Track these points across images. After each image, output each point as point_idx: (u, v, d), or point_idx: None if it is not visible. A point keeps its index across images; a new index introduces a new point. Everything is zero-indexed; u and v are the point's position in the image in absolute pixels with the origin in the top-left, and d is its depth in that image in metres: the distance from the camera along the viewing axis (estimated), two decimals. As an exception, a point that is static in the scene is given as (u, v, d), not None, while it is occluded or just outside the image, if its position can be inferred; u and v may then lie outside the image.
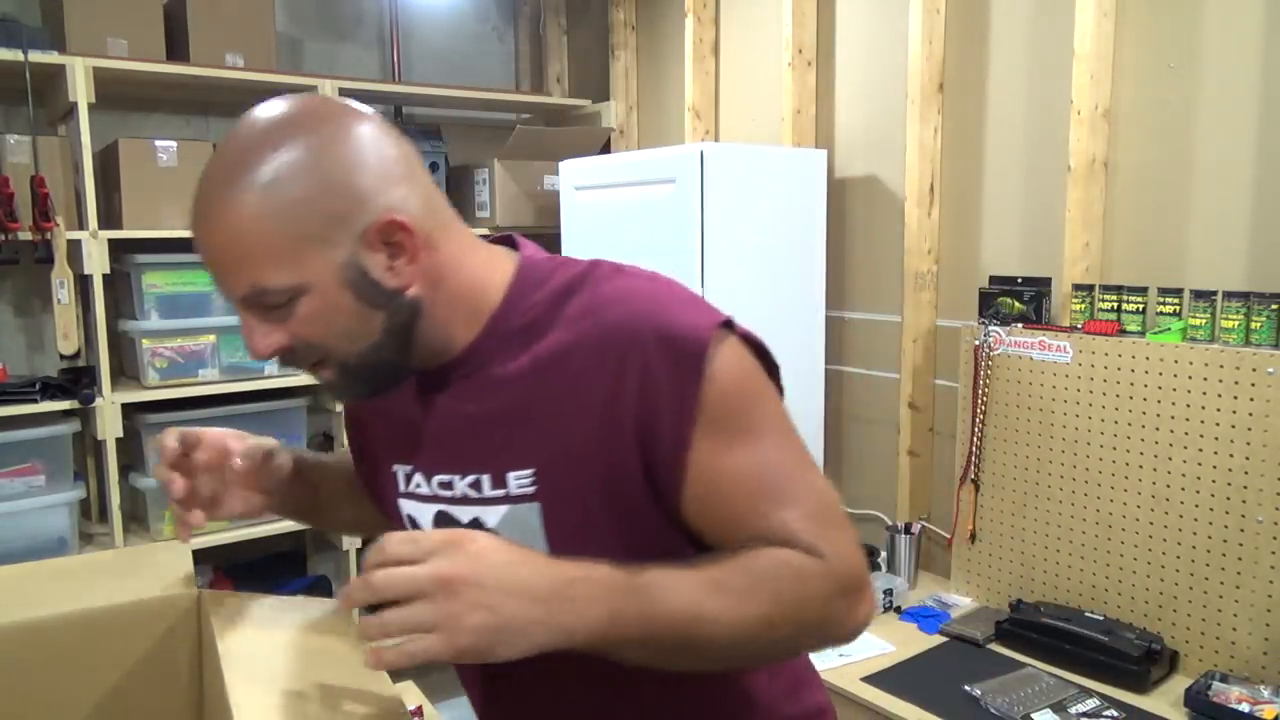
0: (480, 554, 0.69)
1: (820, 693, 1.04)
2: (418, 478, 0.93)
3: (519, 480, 0.86)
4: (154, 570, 1.00)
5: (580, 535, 0.85)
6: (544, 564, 0.72)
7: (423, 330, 0.84)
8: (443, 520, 0.92)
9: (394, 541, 0.69)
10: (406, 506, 0.95)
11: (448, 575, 0.67)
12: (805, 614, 0.79)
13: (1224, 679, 1.82)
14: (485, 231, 3.14)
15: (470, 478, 0.89)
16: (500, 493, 0.87)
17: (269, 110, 0.80)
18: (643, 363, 0.80)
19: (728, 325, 0.84)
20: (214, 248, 0.78)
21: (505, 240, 0.95)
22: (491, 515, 0.89)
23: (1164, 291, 2.02)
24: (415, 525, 0.95)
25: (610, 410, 0.81)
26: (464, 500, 0.90)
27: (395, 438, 0.95)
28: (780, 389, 0.88)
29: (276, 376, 2.77)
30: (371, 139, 0.80)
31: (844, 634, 0.83)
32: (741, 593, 0.75)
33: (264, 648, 0.85)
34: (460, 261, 0.86)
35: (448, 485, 0.90)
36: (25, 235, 2.42)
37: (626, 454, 0.81)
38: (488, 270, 0.88)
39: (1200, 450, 1.91)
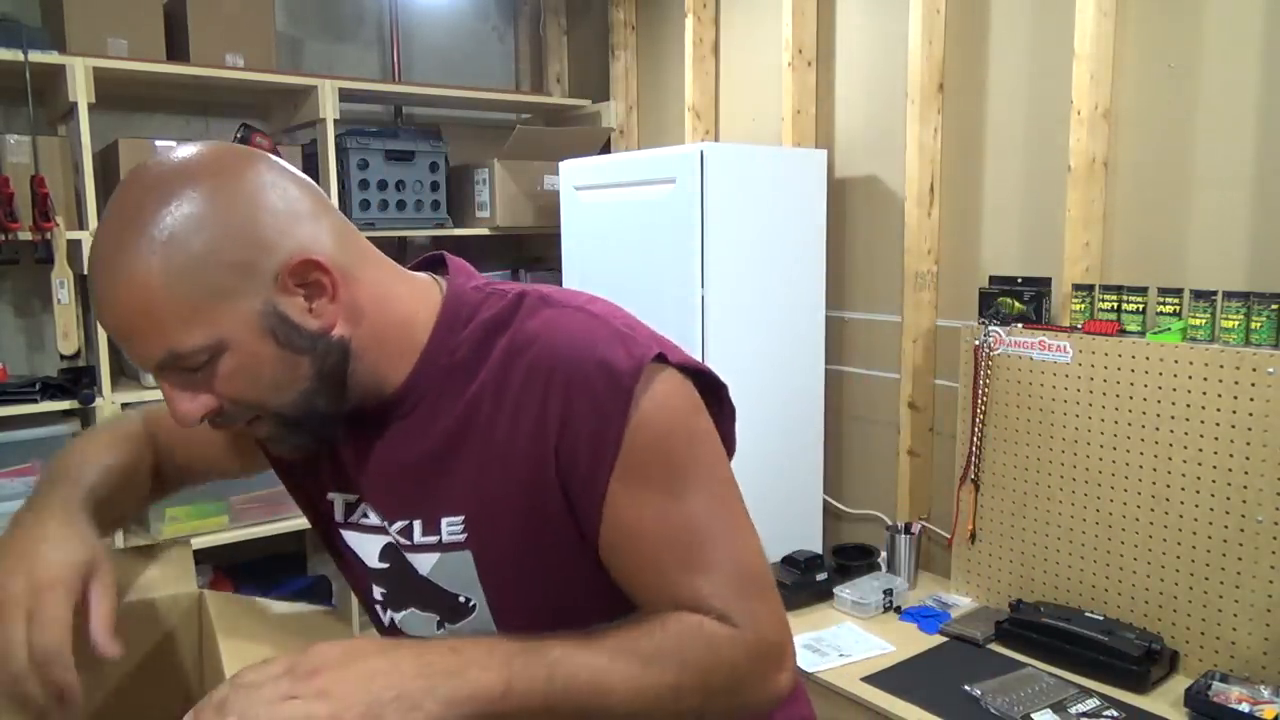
0: (330, 688, 0.63)
1: (805, 706, 1.03)
2: (364, 508, 0.90)
3: (451, 527, 0.84)
4: (155, 570, 1.00)
5: (516, 582, 0.83)
6: (412, 651, 0.68)
7: (354, 372, 0.80)
8: (390, 554, 0.89)
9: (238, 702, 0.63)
10: (349, 537, 0.93)
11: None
12: (714, 682, 0.76)
13: (1224, 679, 1.82)
14: (485, 231, 3.14)
15: (400, 523, 0.86)
16: (433, 539, 0.85)
17: (158, 165, 0.75)
18: (565, 400, 0.77)
19: (661, 359, 0.79)
20: (118, 317, 0.73)
21: (434, 260, 0.92)
22: (424, 562, 0.87)
23: (1164, 291, 2.02)
24: (357, 558, 0.93)
25: (535, 451, 0.78)
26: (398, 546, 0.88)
27: (329, 468, 0.92)
28: (730, 420, 0.86)
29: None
30: (270, 180, 0.76)
31: (760, 701, 0.80)
32: (647, 660, 0.73)
33: (267, 648, 0.85)
34: (384, 295, 0.82)
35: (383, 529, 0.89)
36: (25, 235, 2.42)
37: (551, 497, 0.79)
38: (413, 304, 0.84)
39: (1200, 450, 1.91)
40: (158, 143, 2.61)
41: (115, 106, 2.80)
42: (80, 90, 2.42)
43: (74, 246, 2.48)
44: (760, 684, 0.79)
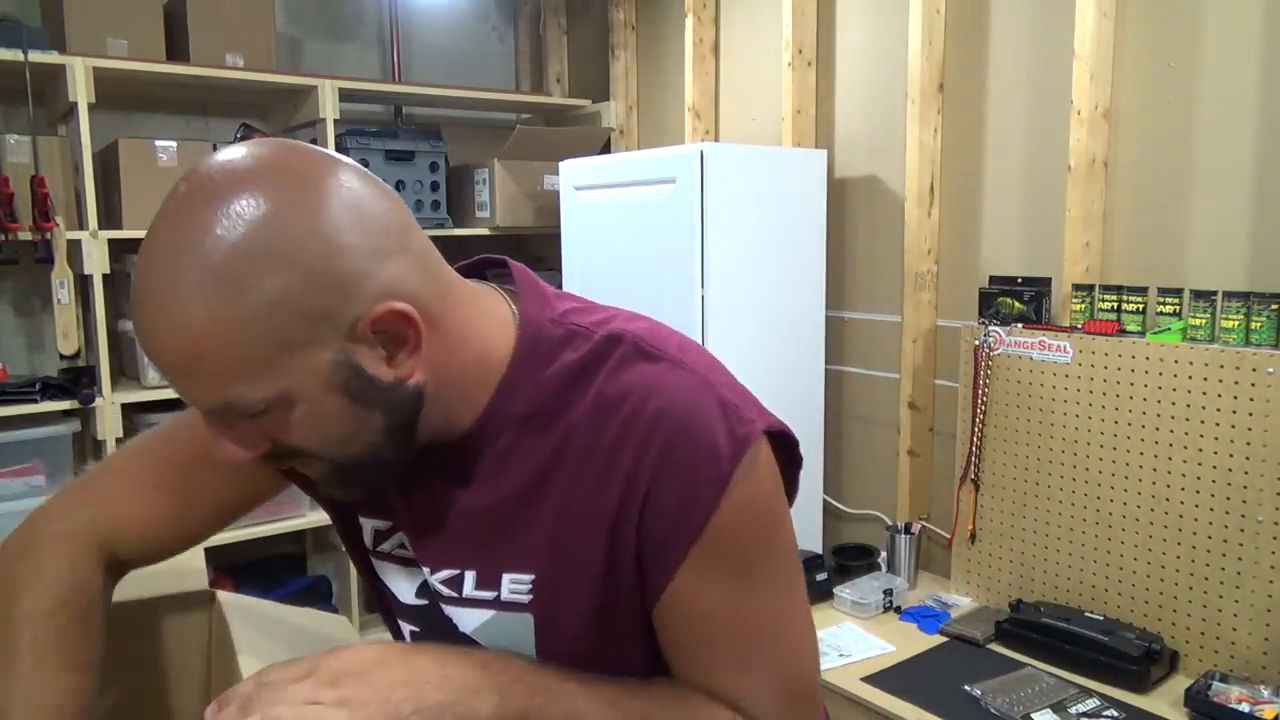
0: (350, 696, 0.62)
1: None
2: (398, 538, 0.83)
3: (514, 585, 0.76)
4: (165, 568, 1.00)
5: (571, 646, 0.77)
6: (435, 661, 0.67)
7: (425, 415, 0.72)
8: (427, 592, 0.82)
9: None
10: (378, 567, 0.86)
11: None
12: None
13: (1224, 679, 1.82)
14: (485, 231, 3.14)
15: (448, 572, 0.79)
16: (488, 595, 0.77)
17: (221, 176, 0.63)
18: (659, 468, 0.71)
19: (764, 431, 0.74)
20: (168, 358, 0.63)
21: (493, 264, 0.84)
22: (470, 618, 0.79)
23: (1164, 291, 2.02)
24: (391, 592, 0.86)
25: (622, 513, 0.73)
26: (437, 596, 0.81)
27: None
28: (796, 469, 0.81)
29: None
30: (354, 200, 0.65)
31: None
32: None
33: (282, 648, 0.85)
34: (464, 331, 0.73)
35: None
36: (25, 235, 2.42)
37: (628, 563, 0.74)
38: (489, 336, 0.75)
39: (1200, 450, 1.91)
40: (157, 143, 2.61)
41: (115, 106, 2.80)
42: (80, 90, 2.43)
43: (74, 246, 2.48)
44: None
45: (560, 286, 0.76)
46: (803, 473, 0.83)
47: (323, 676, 0.63)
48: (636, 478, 0.72)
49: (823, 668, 2.02)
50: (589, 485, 0.73)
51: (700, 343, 2.37)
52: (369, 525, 0.84)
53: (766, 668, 0.76)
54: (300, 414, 0.66)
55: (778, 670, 0.76)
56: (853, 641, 2.15)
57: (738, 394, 0.77)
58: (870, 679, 1.97)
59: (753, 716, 0.75)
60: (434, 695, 0.64)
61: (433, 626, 0.83)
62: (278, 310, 0.62)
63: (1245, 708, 1.73)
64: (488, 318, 0.76)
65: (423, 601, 0.83)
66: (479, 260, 0.85)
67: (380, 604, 0.91)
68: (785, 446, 0.79)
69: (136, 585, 0.94)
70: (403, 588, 0.84)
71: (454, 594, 0.79)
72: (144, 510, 0.85)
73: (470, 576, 0.78)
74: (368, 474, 0.74)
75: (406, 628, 0.87)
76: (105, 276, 2.51)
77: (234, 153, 0.65)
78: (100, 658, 0.82)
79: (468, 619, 0.79)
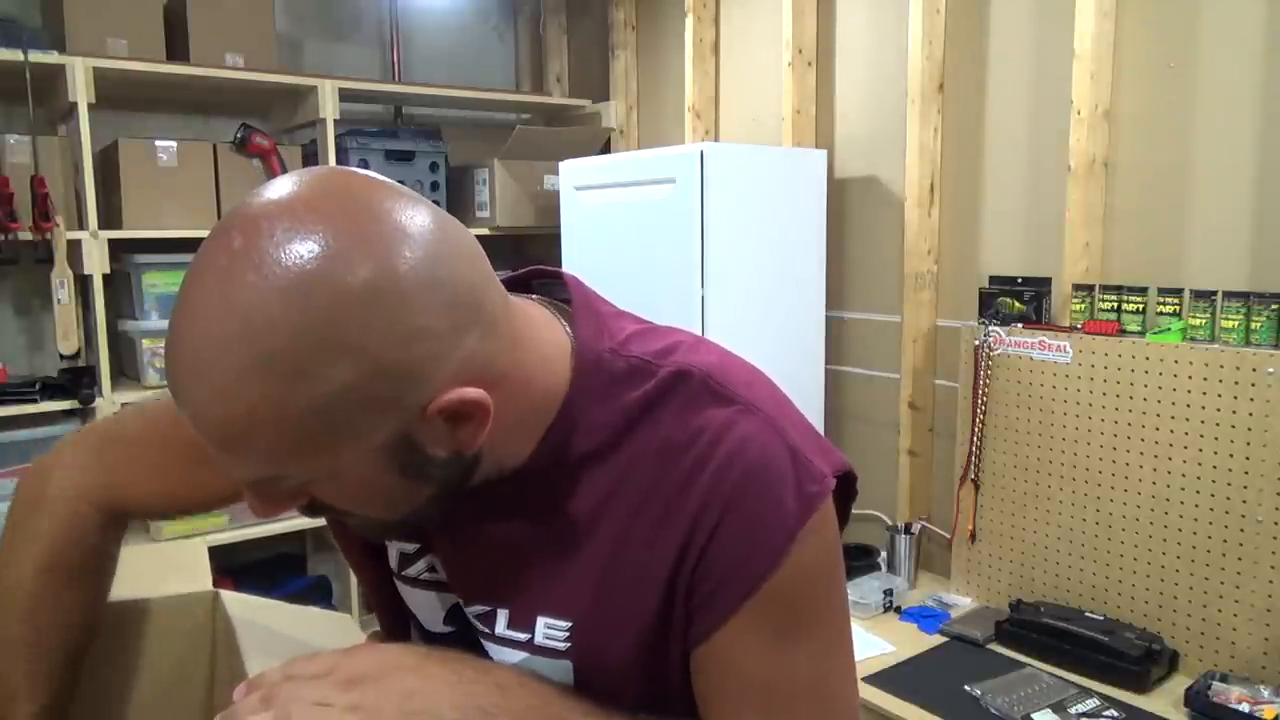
0: (363, 702, 0.61)
1: None
2: (427, 561, 0.78)
3: (550, 630, 0.72)
4: (168, 569, 1.00)
5: (612, 694, 0.72)
6: (453, 672, 0.64)
7: (477, 472, 0.68)
8: (458, 618, 0.78)
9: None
10: (405, 593, 0.82)
11: None
12: None
13: (1224, 679, 1.82)
14: (485, 231, 3.14)
15: (480, 608, 0.74)
16: (521, 637, 0.73)
17: (280, 233, 0.55)
18: (721, 517, 0.67)
19: (831, 484, 0.71)
20: (209, 430, 0.58)
21: (540, 276, 0.78)
22: (504, 656, 0.74)
23: (1164, 291, 2.02)
24: (416, 620, 0.83)
25: (677, 560, 0.68)
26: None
27: None
28: (850, 501, 0.79)
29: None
30: (431, 265, 0.58)
31: None
32: None
33: (287, 647, 0.85)
34: (526, 380, 0.66)
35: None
36: (25, 235, 2.42)
37: (680, 611, 0.70)
38: (547, 373, 0.69)
39: (1200, 450, 1.91)
40: (157, 143, 2.62)
41: (115, 106, 2.80)
42: (80, 90, 2.42)
43: (74, 246, 2.48)
44: None
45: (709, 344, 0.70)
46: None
47: (339, 676, 0.62)
48: (698, 528, 0.67)
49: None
50: (645, 532, 0.69)
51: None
52: (395, 548, 0.80)
53: None
54: (347, 486, 0.62)
55: None
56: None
57: (807, 438, 0.73)
58: (870, 679, 1.97)
59: None
60: (450, 712, 0.62)
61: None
62: (339, 402, 0.56)
63: (1245, 708, 1.73)
64: (542, 351, 0.69)
65: (450, 629, 0.80)
66: (529, 272, 0.79)
67: (397, 634, 0.87)
68: (845, 482, 0.76)
69: (140, 585, 0.94)
70: (431, 615, 0.80)
71: (486, 630, 0.75)
72: (150, 486, 0.86)
73: (503, 615, 0.74)
74: (407, 529, 0.71)
75: None
76: (105, 276, 2.51)
77: (296, 201, 0.57)
78: (97, 617, 0.86)
79: (501, 657, 0.74)
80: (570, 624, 0.71)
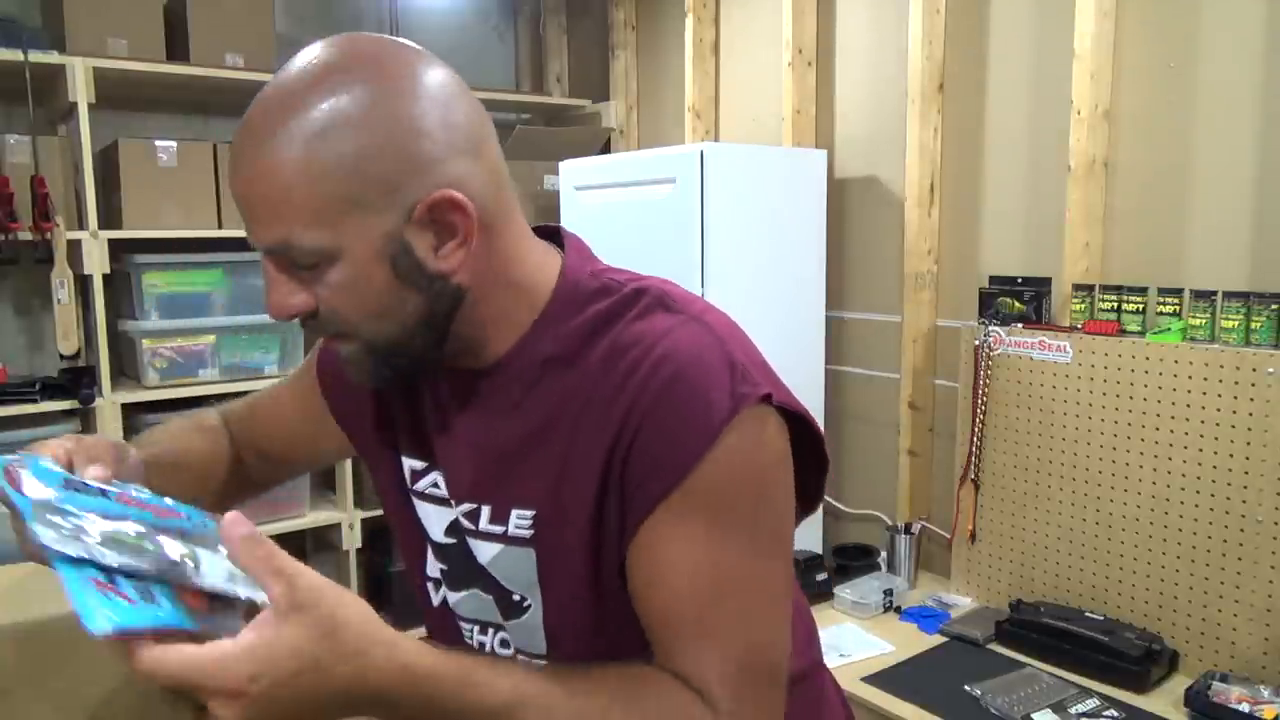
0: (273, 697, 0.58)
1: (816, 651, 1.00)
2: (433, 476, 0.87)
3: (519, 520, 0.80)
4: None
5: (573, 593, 0.79)
6: (354, 684, 0.61)
7: (460, 323, 0.77)
8: (455, 530, 0.86)
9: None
10: (420, 507, 0.89)
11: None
12: None
13: (1224, 679, 1.82)
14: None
15: (468, 506, 0.83)
16: (499, 529, 0.81)
17: (329, 48, 0.73)
18: (650, 413, 0.73)
19: (766, 399, 0.74)
20: (247, 194, 0.71)
21: (552, 233, 0.87)
22: (485, 550, 0.83)
23: (1164, 291, 2.02)
24: (421, 527, 0.89)
25: (612, 458, 0.74)
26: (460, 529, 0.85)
27: (406, 430, 0.89)
28: (819, 473, 0.82)
29: (277, 377, 2.77)
30: (444, 99, 0.73)
31: None
32: None
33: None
34: (512, 256, 0.78)
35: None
36: (25, 235, 2.42)
37: (616, 507, 0.75)
38: (534, 274, 0.80)
39: (1200, 450, 1.91)
40: (157, 143, 2.61)
41: (115, 106, 2.80)
42: (80, 90, 2.43)
43: (74, 246, 2.48)
44: None
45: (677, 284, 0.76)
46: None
47: (243, 667, 0.58)
48: (630, 419, 0.73)
49: (823, 668, 2.02)
50: (591, 427, 0.76)
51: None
52: (408, 465, 0.89)
53: (729, 636, 0.72)
54: (347, 275, 0.72)
55: (741, 641, 0.73)
56: (853, 641, 2.15)
57: (754, 362, 0.77)
58: (870, 679, 1.97)
59: (706, 695, 0.71)
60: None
61: (457, 562, 0.87)
62: (352, 168, 0.69)
63: (1245, 708, 1.73)
64: (537, 257, 0.81)
65: (451, 540, 0.87)
66: (542, 228, 0.89)
67: (405, 546, 0.94)
68: (812, 444, 0.81)
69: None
70: (436, 525, 0.88)
71: (472, 526, 0.83)
72: (269, 429, 1.06)
73: (485, 511, 0.82)
74: (396, 360, 0.77)
75: (436, 565, 0.90)
76: (105, 276, 2.52)
77: (338, 37, 0.74)
78: (185, 468, 0.98)
79: (483, 551, 0.83)
80: (534, 512, 0.79)
